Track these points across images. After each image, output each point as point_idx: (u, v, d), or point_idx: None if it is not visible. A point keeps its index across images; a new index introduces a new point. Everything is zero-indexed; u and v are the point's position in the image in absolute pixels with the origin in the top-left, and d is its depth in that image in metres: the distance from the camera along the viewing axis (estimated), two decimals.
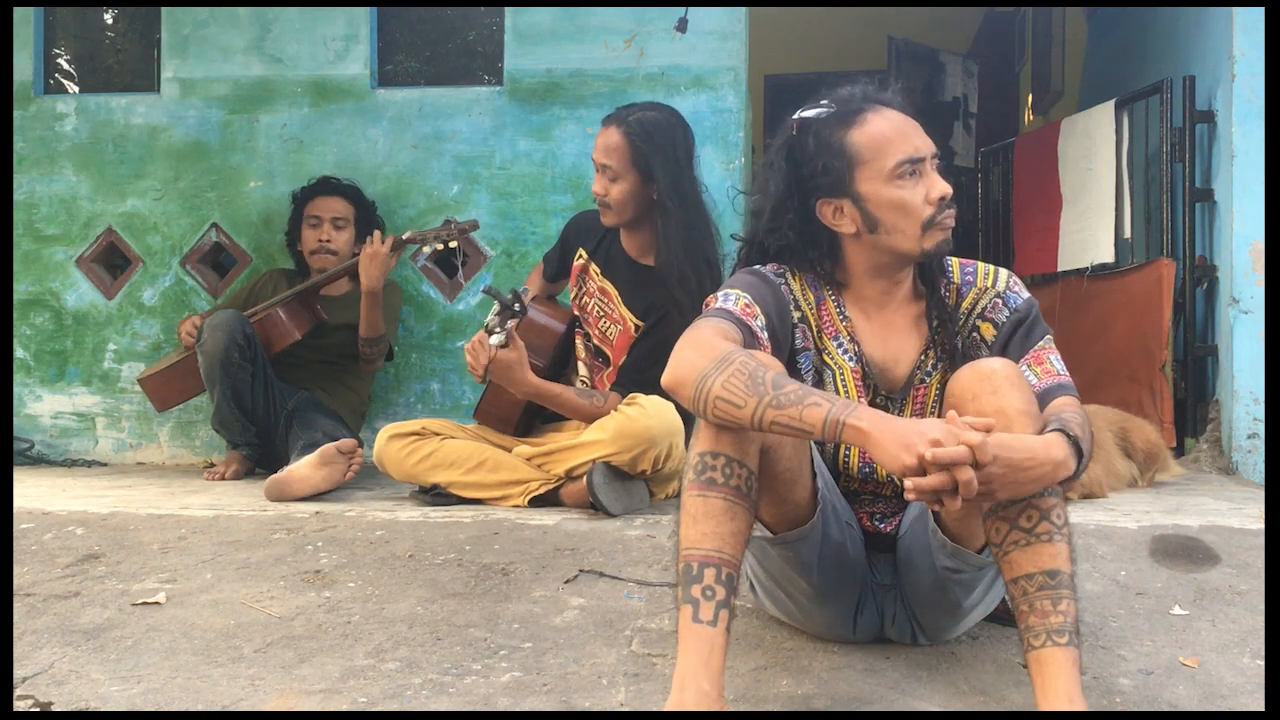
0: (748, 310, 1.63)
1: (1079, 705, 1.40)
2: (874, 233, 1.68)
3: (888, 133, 1.66)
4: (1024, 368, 1.64)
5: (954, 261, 1.76)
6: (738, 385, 1.44)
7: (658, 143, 2.64)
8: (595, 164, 2.71)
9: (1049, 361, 1.66)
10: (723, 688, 1.43)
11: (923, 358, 1.74)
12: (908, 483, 1.36)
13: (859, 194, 1.67)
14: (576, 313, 2.85)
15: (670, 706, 1.41)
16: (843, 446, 1.74)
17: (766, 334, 1.64)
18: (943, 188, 1.66)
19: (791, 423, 1.41)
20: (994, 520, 1.49)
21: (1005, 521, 1.47)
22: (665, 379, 1.52)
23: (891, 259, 1.71)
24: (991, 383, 1.47)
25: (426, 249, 3.23)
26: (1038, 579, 1.45)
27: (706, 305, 1.67)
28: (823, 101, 1.72)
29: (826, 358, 1.73)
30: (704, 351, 1.50)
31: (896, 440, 1.36)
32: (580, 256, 2.85)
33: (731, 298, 1.65)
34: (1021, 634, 1.46)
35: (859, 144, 1.66)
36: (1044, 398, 1.58)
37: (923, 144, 1.67)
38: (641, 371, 2.67)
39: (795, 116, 1.73)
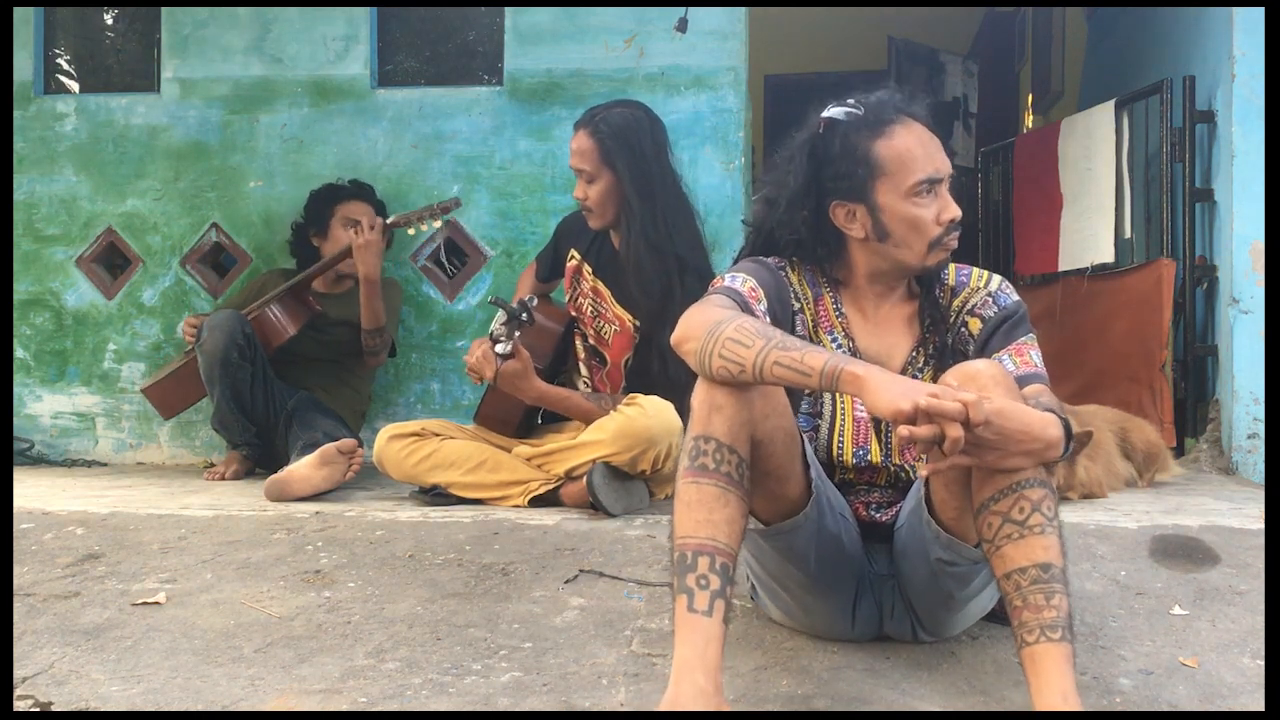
0: (753, 294, 1.69)
1: (1074, 702, 1.40)
2: (883, 242, 1.73)
3: (913, 149, 1.70)
4: (1004, 357, 1.68)
5: (950, 266, 1.81)
6: (749, 329, 1.50)
7: (624, 139, 2.65)
8: (573, 171, 2.72)
9: (1029, 355, 1.70)
10: (720, 682, 1.42)
11: (914, 355, 1.79)
12: (902, 429, 1.38)
13: (876, 204, 1.71)
14: (573, 314, 2.86)
15: (665, 703, 1.41)
16: (835, 437, 1.77)
17: (768, 319, 1.69)
18: (954, 211, 1.72)
19: (793, 364, 1.45)
20: (986, 514, 1.49)
21: (997, 515, 1.48)
22: (675, 335, 1.58)
23: (893, 268, 1.76)
24: (977, 382, 1.48)
25: (413, 230, 3.26)
26: (1030, 572, 1.45)
27: (714, 285, 1.72)
28: (850, 101, 1.75)
29: None
30: (718, 312, 1.56)
31: (894, 387, 1.39)
32: (573, 257, 2.85)
33: (738, 279, 1.71)
34: (1015, 630, 1.46)
35: (884, 156, 1.70)
36: (1019, 383, 1.61)
37: (943, 164, 1.72)
38: (644, 374, 2.68)
39: (823, 115, 1.75)
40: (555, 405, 2.68)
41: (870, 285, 1.79)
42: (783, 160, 1.80)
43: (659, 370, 2.61)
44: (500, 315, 2.60)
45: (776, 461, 1.57)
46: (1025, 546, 1.46)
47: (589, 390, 2.80)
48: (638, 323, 2.69)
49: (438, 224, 3.27)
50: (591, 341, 2.80)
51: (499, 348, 2.53)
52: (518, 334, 2.54)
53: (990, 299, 1.76)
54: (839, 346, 1.77)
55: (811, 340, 1.77)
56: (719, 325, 1.51)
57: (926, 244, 1.71)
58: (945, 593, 1.69)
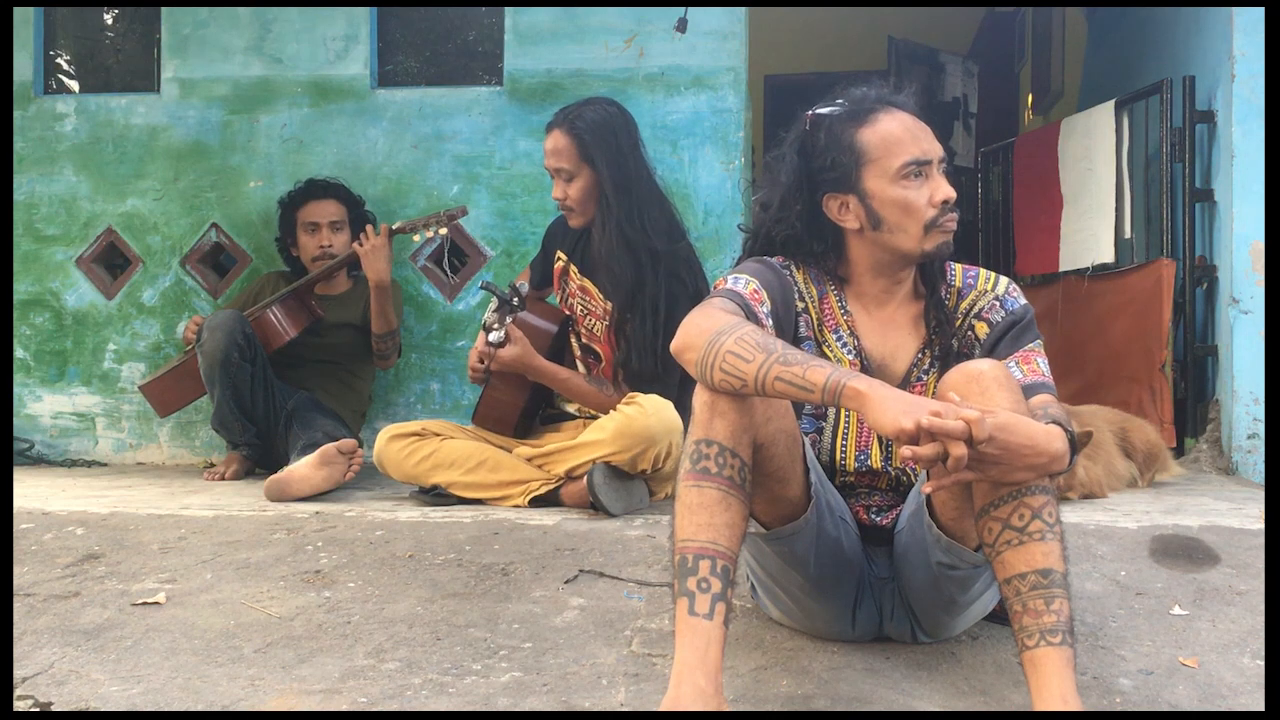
0: (755, 295, 1.68)
1: (1074, 704, 1.40)
2: (877, 230, 1.72)
3: (897, 133, 1.70)
4: (1011, 364, 1.67)
5: (957, 267, 1.81)
6: (750, 342, 1.48)
7: (602, 135, 2.67)
8: (549, 171, 2.74)
9: (1035, 362, 1.70)
10: (721, 684, 1.43)
11: (920, 356, 1.77)
12: (904, 450, 1.37)
13: (865, 191, 1.71)
14: (566, 314, 2.86)
15: (666, 704, 1.41)
16: (839, 441, 1.76)
17: (771, 321, 1.68)
18: (946, 191, 1.70)
19: (794, 380, 1.43)
20: (986, 520, 1.49)
21: (997, 521, 1.48)
22: (675, 343, 1.57)
23: (893, 257, 1.75)
24: (980, 384, 1.48)
25: (417, 237, 3.27)
26: (1030, 578, 1.45)
27: (716, 286, 1.71)
28: (838, 100, 1.76)
29: (826, 349, 1.76)
30: (718, 319, 1.54)
31: (896, 404, 1.38)
32: (559, 259, 2.87)
33: (741, 281, 1.70)
34: (1015, 634, 1.46)
35: (869, 142, 1.70)
36: (1026, 392, 1.61)
37: (931, 147, 1.71)
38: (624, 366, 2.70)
39: (810, 112, 1.77)
40: (555, 383, 2.71)
41: (873, 280, 1.77)
42: (774, 161, 1.81)
43: (623, 359, 2.65)
44: (492, 303, 2.61)
45: (778, 464, 1.57)
46: (1025, 553, 1.46)
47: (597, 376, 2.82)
48: (610, 310, 2.71)
49: (444, 231, 3.26)
50: (585, 340, 2.81)
51: (491, 336, 2.54)
52: (510, 320, 2.54)
53: (998, 302, 1.75)
54: (844, 346, 1.76)
55: (817, 339, 1.77)
56: (719, 336, 1.50)
57: (921, 226, 1.70)
58: (946, 597, 1.68)
